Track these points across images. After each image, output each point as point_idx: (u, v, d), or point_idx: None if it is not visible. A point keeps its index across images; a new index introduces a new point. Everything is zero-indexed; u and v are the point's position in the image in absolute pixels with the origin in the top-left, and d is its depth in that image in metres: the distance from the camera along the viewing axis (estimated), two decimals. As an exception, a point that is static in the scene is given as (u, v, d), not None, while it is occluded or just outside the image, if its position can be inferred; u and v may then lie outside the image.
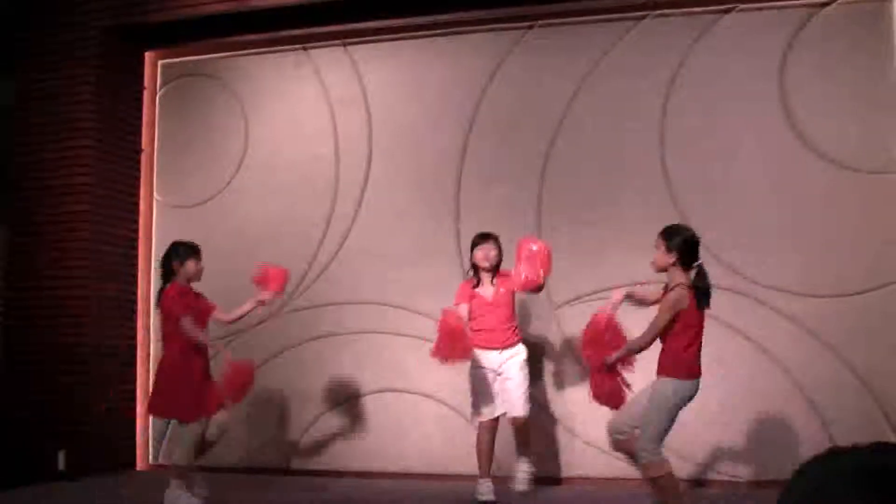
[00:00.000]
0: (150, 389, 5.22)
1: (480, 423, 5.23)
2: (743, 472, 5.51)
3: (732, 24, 5.93)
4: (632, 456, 4.32)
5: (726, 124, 5.85)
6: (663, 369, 4.15)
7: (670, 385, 4.12)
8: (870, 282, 5.50)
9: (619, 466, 5.72)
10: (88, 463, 6.25)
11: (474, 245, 5.30)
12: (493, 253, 5.24)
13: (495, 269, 5.27)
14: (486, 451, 5.23)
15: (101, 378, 6.42)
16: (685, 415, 4.24)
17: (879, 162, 5.57)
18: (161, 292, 5.05)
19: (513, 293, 5.25)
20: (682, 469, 5.24)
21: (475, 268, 5.29)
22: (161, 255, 5.20)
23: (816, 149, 5.68)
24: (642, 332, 4.20)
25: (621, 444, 4.34)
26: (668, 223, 4.37)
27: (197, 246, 5.14)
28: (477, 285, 5.29)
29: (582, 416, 5.88)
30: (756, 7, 5.89)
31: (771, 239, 5.68)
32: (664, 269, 4.21)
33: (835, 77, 5.70)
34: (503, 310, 5.22)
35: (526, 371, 5.22)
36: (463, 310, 5.19)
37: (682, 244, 4.17)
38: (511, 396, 5.18)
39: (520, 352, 5.24)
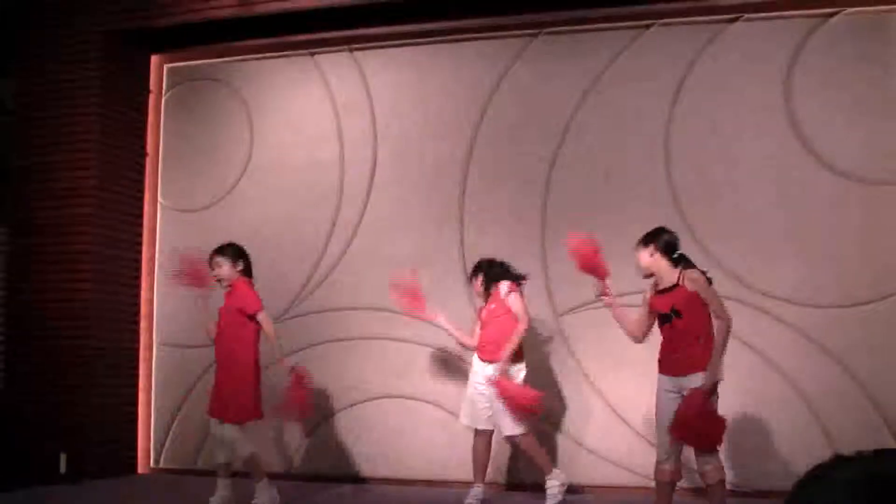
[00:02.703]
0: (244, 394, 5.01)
1: (476, 430, 5.31)
2: (746, 482, 5.49)
3: (738, 34, 5.93)
4: (673, 483, 4.34)
5: (731, 133, 5.84)
6: (704, 364, 4.16)
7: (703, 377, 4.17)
8: (873, 292, 5.49)
9: (621, 475, 5.72)
10: (90, 466, 6.25)
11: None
12: (477, 283, 5.45)
13: (491, 284, 5.38)
14: (477, 458, 5.32)
15: (101, 381, 6.42)
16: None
17: (884, 172, 5.56)
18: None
19: (506, 307, 5.28)
20: (687, 478, 5.22)
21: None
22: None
23: (821, 158, 5.68)
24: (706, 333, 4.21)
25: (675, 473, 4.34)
26: (673, 230, 4.44)
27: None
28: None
29: (585, 425, 5.88)
30: (761, 17, 5.89)
31: (775, 248, 5.67)
32: (652, 273, 4.39)
33: (840, 87, 5.70)
34: (497, 324, 5.27)
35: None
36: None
37: (667, 243, 4.39)
38: (499, 415, 5.17)
39: (519, 370, 5.25)
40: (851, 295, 5.52)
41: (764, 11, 5.89)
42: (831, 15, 5.76)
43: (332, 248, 6.59)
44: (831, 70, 5.73)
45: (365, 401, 6.37)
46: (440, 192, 6.40)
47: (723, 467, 4.26)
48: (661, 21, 6.09)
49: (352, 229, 6.56)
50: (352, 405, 6.39)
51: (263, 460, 5.21)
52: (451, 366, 6.14)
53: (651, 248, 4.40)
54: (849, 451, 1.02)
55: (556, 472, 5.27)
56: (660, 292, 4.38)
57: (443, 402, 6.15)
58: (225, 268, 5.07)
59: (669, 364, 4.31)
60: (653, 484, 4.48)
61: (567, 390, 5.96)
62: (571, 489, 5.42)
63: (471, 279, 5.53)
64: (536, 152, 6.21)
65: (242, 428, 5.01)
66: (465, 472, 5.72)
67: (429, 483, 6.07)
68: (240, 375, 4.96)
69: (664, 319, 4.34)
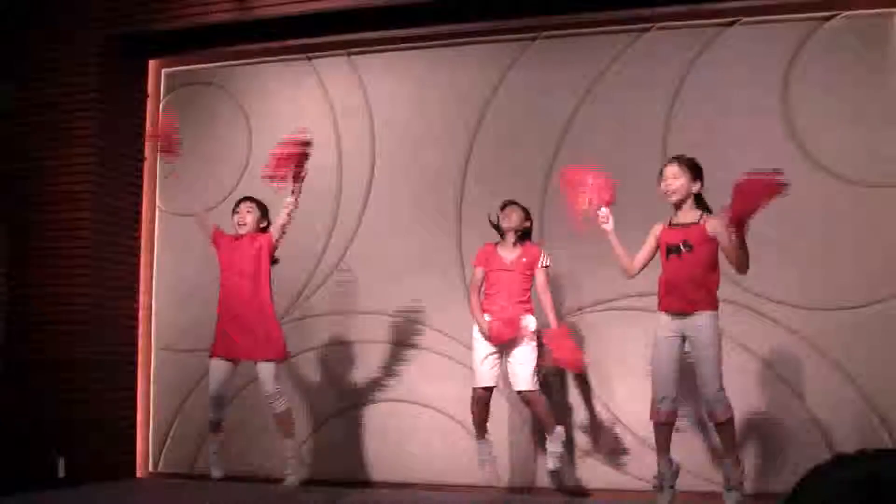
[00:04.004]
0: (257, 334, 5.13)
1: (473, 388, 5.19)
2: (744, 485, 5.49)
3: (735, 38, 5.94)
4: (670, 424, 4.31)
5: (728, 137, 5.85)
6: (709, 303, 4.17)
7: (716, 318, 4.18)
8: (870, 295, 5.50)
9: (620, 479, 5.73)
10: (88, 470, 6.24)
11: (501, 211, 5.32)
12: (514, 215, 5.23)
13: (523, 236, 5.27)
14: (475, 419, 5.22)
15: (100, 385, 6.42)
16: (685, 426, 4.25)
17: (880, 175, 5.58)
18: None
19: (533, 270, 5.20)
20: (683, 480, 5.22)
21: (500, 232, 5.29)
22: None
23: (818, 162, 5.69)
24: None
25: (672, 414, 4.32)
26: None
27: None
28: (498, 244, 5.28)
29: (583, 427, 5.88)
30: (759, 20, 5.90)
31: (771, 251, 5.66)
32: (683, 201, 4.32)
33: (837, 90, 5.71)
34: (517, 278, 5.17)
35: (534, 344, 5.14)
36: (478, 273, 5.27)
37: (702, 183, 4.35)
38: (514, 370, 5.12)
39: (528, 323, 5.15)
40: (848, 298, 5.52)
41: (761, 15, 5.90)
42: (829, 18, 5.78)
43: (331, 252, 6.59)
44: (829, 73, 5.74)
45: (362, 405, 6.37)
46: (438, 197, 6.40)
47: (731, 405, 4.26)
48: (659, 25, 6.10)
49: (350, 234, 6.57)
50: (349, 409, 6.39)
51: (263, 464, 5.20)
52: (450, 370, 6.14)
53: (689, 174, 4.32)
54: (847, 451, 1.03)
55: (558, 429, 5.20)
56: (673, 226, 4.35)
57: (442, 406, 6.15)
58: (251, 217, 5.29)
59: (672, 300, 4.24)
60: (651, 488, 4.49)
61: (565, 392, 5.96)
62: (571, 492, 5.41)
63: (504, 208, 5.28)
64: (534, 156, 6.22)
65: (278, 371, 5.13)
66: (464, 475, 5.73)
67: (428, 487, 6.07)
68: (267, 313, 5.14)
69: (671, 251, 4.28)
